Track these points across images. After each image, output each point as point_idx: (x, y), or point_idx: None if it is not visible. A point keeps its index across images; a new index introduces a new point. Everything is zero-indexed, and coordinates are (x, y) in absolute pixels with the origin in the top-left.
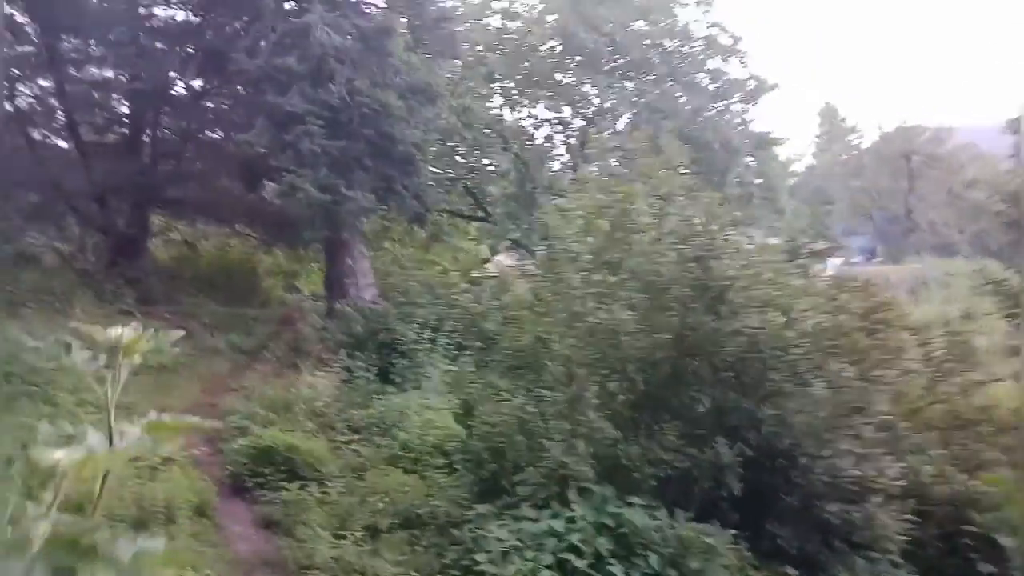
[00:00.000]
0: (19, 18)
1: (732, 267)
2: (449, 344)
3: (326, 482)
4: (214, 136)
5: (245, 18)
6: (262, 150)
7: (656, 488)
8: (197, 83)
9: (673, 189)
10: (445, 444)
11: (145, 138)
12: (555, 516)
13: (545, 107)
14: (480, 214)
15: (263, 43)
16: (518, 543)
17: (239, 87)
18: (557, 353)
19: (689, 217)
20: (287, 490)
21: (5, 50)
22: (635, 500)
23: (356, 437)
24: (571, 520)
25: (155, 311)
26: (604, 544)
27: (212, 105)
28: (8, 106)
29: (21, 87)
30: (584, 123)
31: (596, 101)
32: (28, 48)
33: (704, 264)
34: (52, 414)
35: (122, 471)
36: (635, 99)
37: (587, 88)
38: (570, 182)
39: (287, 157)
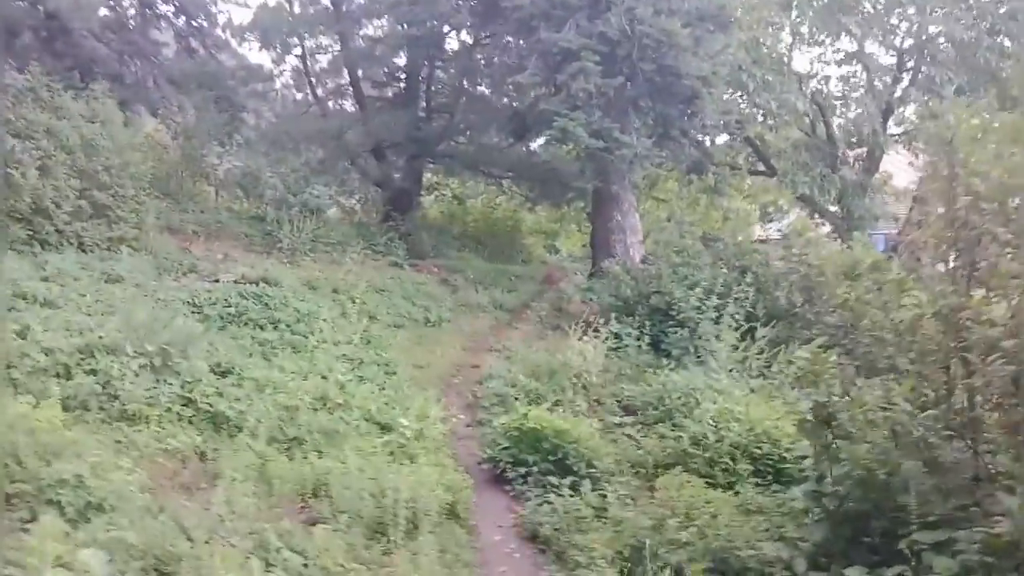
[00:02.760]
0: None
1: None
2: (737, 315)
3: (603, 483)
4: (484, 90)
5: None
6: (532, 96)
7: None
8: (468, 38)
9: None
10: (752, 446)
11: (420, 93)
12: None
13: (850, 39)
14: (760, 168)
15: None
16: None
17: (508, 36)
18: (985, 340)
19: None
20: (556, 490)
21: (299, 11)
22: None
23: (629, 420)
24: None
25: (423, 265)
26: None
27: (483, 57)
28: (300, 65)
29: (309, 46)
30: (895, 58)
31: (914, 29)
32: (323, 7)
33: None
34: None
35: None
36: (966, 23)
37: (907, 11)
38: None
39: (558, 100)
